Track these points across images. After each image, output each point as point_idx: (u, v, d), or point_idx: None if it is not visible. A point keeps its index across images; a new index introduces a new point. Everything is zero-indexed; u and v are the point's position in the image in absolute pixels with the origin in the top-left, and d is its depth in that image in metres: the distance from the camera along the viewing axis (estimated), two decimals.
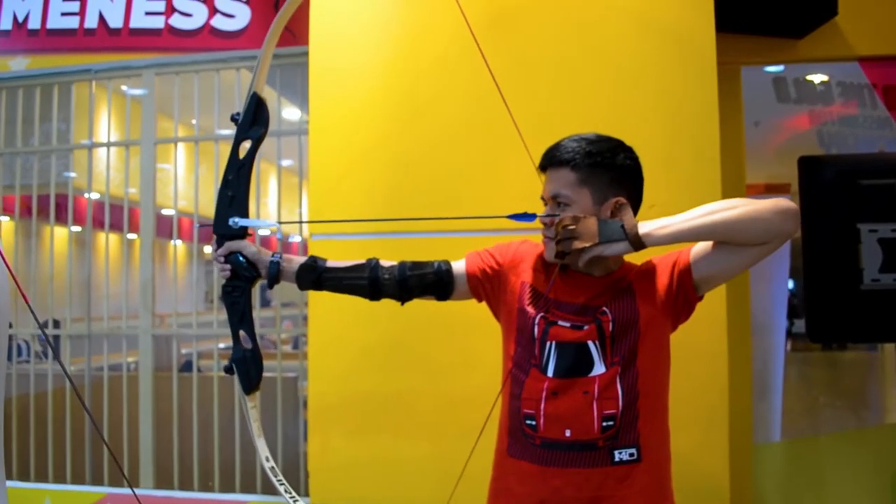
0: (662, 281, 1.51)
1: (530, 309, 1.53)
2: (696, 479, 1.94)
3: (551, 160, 1.51)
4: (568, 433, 1.46)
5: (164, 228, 3.68)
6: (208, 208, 3.19)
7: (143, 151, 3.07)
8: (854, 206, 2.22)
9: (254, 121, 1.62)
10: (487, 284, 1.60)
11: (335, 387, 2.19)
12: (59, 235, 3.37)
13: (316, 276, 1.60)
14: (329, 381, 2.19)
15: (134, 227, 3.12)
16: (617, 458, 1.45)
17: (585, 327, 1.48)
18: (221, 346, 3.25)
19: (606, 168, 1.48)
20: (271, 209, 2.99)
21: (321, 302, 2.19)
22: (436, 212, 2.16)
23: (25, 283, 3.33)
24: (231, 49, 2.98)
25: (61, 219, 3.25)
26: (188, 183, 3.08)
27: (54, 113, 3.19)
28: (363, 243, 2.14)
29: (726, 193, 2.10)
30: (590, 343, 1.48)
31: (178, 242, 3.17)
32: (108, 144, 3.17)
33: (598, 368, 1.47)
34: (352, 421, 2.17)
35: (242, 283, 1.61)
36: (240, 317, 1.62)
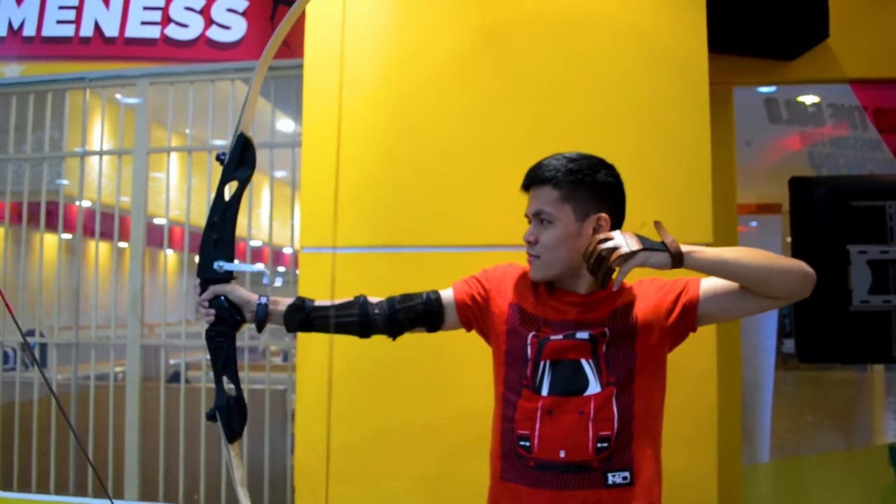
0: (665, 305, 1.51)
1: (521, 329, 1.52)
2: (684, 499, 1.92)
3: (533, 179, 1.53)
4: (562, 454, 1.44)
5: (156, 237, 3.66)
6: (200, 218, 3.20)
7: (136, 160, 3.06)
8: (844, 227, 2.24)
9: (240, 161, 1.59)
10: (477, 311, 1.60)
11: (323, 400, 2.18)
12: (51, 243, 3.36)
13: (304, 316, 1.58)
14: (317, 395, 2.17)
15: (125, 236, 3.11)
16: (611, 481, 1.44)
17: (578, 335, 1.47)
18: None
19: (588, 185, 1.49)
20: (263, 220, 2.99)
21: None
22: (429, 225, 2.16)
23: (14, 290, 3.31)
24: (226, 60, 2.98)
25: (52, 226, 3.24)
26: (181, 192, 3.07)
27: (47, 120, 3.18)
28: (355, 257, 2.14)
29: (717, 213, 2.12)
30: (583, 361, 1.47)
31: (170, 252, 3.16)
32: (101, 153, 3.16)
33: (594, 388, 1.46)
34: (339, 435, 2.16)
35: (227, 329, 1.57)
36: (223, 362, 1.59)
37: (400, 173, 2.20)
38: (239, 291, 1.58)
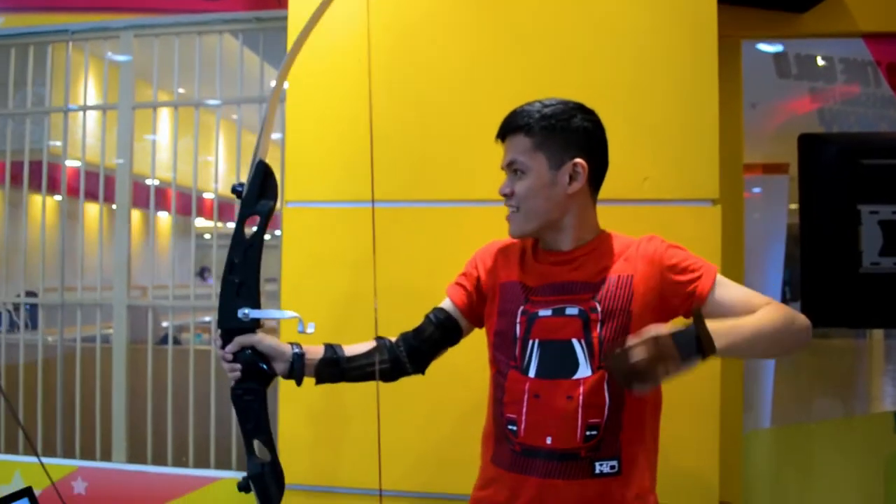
0: (669, 299, 1.41)
1: (510, 306, 1.45)
2: (685, 466, 1.87)
3: (506, 127, 1.46)
4: (549, 440, 1.37)
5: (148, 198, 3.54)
6: (186, 177, 3.11)
7: (121, 116, 2.95)
8: (855, 186, 2.15)
9: (261, 192, 1.41)
10: (479, 304, 1.54)
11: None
12: (41, 204, 3.25)
13: (339, 370, 1.47)
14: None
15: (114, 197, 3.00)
16: (598, 471, 1.36)
17: (568, 311, 1.39)
18: (207, 319, 3.15)
19: (562, 131, 1.41)
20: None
21: (294, 290, 2.11)
22: (419, 179, 2.06)
23: (5, 252, 3.21)
24: (214, 11, 2.86)
25: (35, 186, 3.13)
26: (172, 152, 2.97)
27: (29, 76, 3.06)
28: (341, 212, 2.05)
29: (723, 170, 2.03)
30: (575, 342, 1.38)
31: (165, 214, 3.06)
32: (84, 108, 3.05)
33: (584, 371, 1.37)
34: (319, 404, 2.09)
35: (256, 385, 1.41)
36: (255, 424, 1.42)
37: (387, 125, 2.09)
38: (268, 340, 1.42)
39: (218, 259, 2.50)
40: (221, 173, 3.05)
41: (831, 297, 2.14)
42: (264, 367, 1.41)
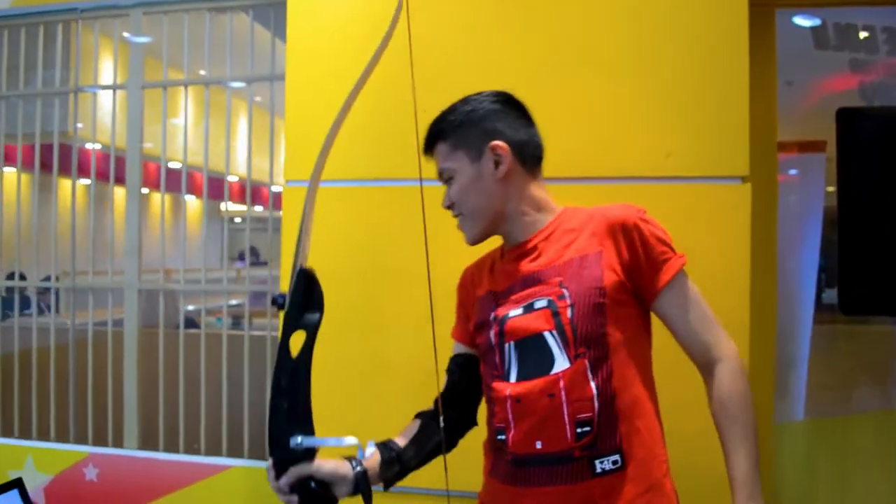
0: (642, 267, 1.31)
1: (484, 316, 1.37)
2: (710, 461, 1.75)
3: (426, 143, 1.42)
4: (539, 445, 1.27)
5: (175, 182, 3.48)
6: (197, 158, 3.05)
7: (130, 96, 2.88)
8: None
9: (306, 304, 1.28)
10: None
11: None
12: (69, 187, 3.20)
13: (403, 467, 1.38)
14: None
15: (147, 182, 2.95)
16: (599, 469, 1.25)
17: (537, 305, 1.29)
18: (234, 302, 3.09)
19: (470, 122, 1.36)
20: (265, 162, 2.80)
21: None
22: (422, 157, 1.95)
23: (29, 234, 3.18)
24: None
25: (47, 170, 3.09)
26: (194, 137, 2.90)
27: (39, 57, 3.00)
28: (343, 191, 1.95)
29: (755, 147, 1.89)
30: (546, 334, 1.28)
31: (191, 197, 3.00)
32: (94, 89, 2.99)
33: (561, 363, 1.26)
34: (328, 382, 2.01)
35: None
36: None
37: (390, 102, 1.99)
38: (326, 467, 1.29)
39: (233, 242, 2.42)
40: (243, 154, 2.98)
41: (871, 284, 2.00)
42: (325, 495, 1.29)
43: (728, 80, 1.84)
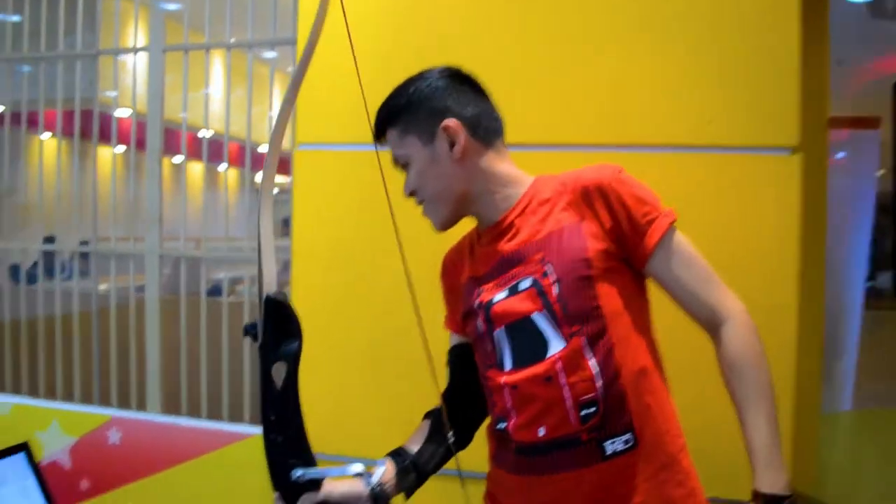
0: (626, 232, 1.20)
1: (468, 303, 1.28)
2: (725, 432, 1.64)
3: (376, 132, 1.32)
4: (542, 432, 1.17)
5: (215, 152, 3.45)
6: (232, 127, 3.00)
7: (151, 59, 2.81)
8: None
9: (281, 333, 1.18)
10: None
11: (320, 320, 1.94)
12: (102, 155, 3.20)
13: (419, 474, 1.30)
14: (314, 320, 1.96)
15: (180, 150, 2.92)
16: (610, 451, 1.15)
17: (521, 285, 1.19)
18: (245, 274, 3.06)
19: (414, 105, 1.27)
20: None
21: (307, 238, 1.95)
22: None
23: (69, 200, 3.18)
24: None
25: (88, 136, 3.06)
26: (224, 104, 2.84)
27: (79, 22, 2.95)
28: (354, 155, 1.85)
29: (806, 120, 1.73)
30: (535, 315, 1.18)
31: (228, 166, 2.96)
32: (116, 52, 2.95)
33: (556, 345, 1.16)
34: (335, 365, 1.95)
35: None
36: None
37: (408, 60, 1.89)
38: (339, 490, 1.22)
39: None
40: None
41: None
42: None
43: (776, 40, 1.68)
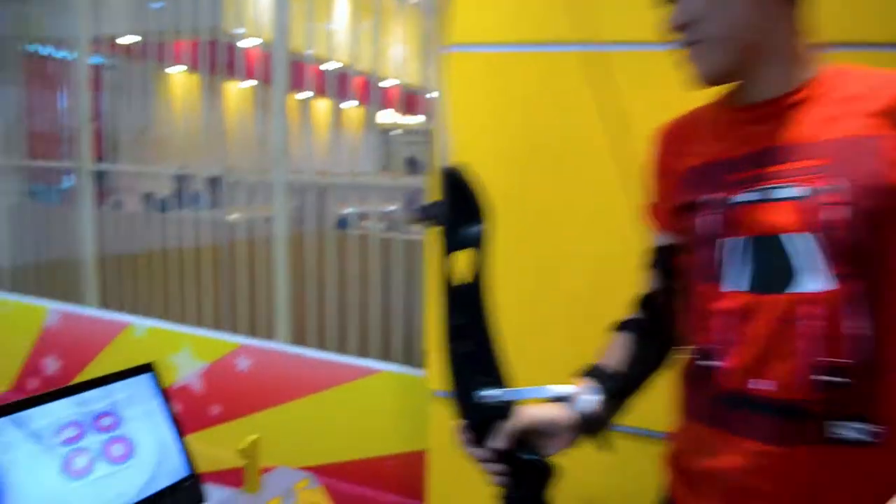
0: None
1: (695, 194, 0.98)
2: None
3: None
4: (755, 385, 0.89)
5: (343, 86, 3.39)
6: (361, 63, 2.90)
7: None
8: None
9: (460, 212, 0.93)
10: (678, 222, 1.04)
11: None
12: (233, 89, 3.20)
13: (620, 400, 1.03)
14: None
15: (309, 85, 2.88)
16: (842, 435, 0.86)
17: (780, 193, 0.89)
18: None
19: None
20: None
21: (467, 146, 1.73)
22: (599, 16, 1.58)
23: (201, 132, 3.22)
24: None
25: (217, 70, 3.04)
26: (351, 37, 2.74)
27: None
28: (510, 57, 1.65)
29: None
30: (795, 236, 0.88)
31: (353, 101, 2.88)
32: None
33: (812, 281, 0.86)
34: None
35: (536, 488, 0.97)
36: None
37: None
38: (541, 415, 0.97)
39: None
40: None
41: None
42: (540, 465, 0.97)
43: None
